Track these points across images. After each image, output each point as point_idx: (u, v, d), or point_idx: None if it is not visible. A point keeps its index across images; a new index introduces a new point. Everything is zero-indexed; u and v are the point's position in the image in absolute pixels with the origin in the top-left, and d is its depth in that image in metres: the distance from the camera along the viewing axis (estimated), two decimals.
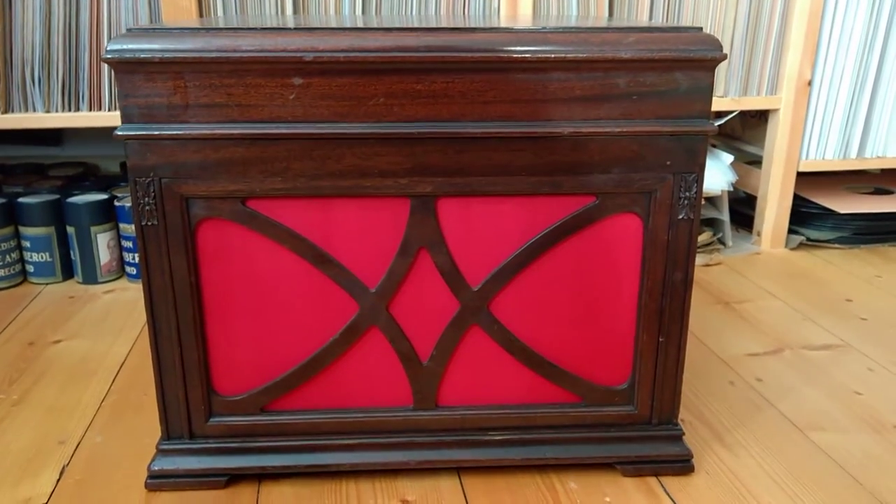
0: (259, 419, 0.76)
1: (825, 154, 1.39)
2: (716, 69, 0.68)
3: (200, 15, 1.23)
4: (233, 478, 0.76)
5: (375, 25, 0.69)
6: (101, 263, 1.30)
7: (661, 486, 0.77)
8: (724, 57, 0.67)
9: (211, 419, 0.76)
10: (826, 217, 1.46)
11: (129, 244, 1.30)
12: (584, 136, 0.68)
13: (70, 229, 1.29)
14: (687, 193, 0.71)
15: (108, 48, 0.65)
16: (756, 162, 1.48)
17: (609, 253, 0.73)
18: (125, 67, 0.65)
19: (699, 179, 0.70)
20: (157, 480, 0.76)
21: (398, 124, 0.67)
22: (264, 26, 0.68)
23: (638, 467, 0.78)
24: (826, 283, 1.31)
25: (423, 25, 0.69)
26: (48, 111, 1.24)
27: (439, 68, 0.66)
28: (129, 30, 0.66)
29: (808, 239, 1.47)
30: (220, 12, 1.23)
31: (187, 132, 0.67)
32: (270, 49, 0.65)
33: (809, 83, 1.34)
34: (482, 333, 0.75)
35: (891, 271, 1.36)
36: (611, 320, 0.76)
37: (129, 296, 1.25)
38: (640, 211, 0.72)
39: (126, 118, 0.67)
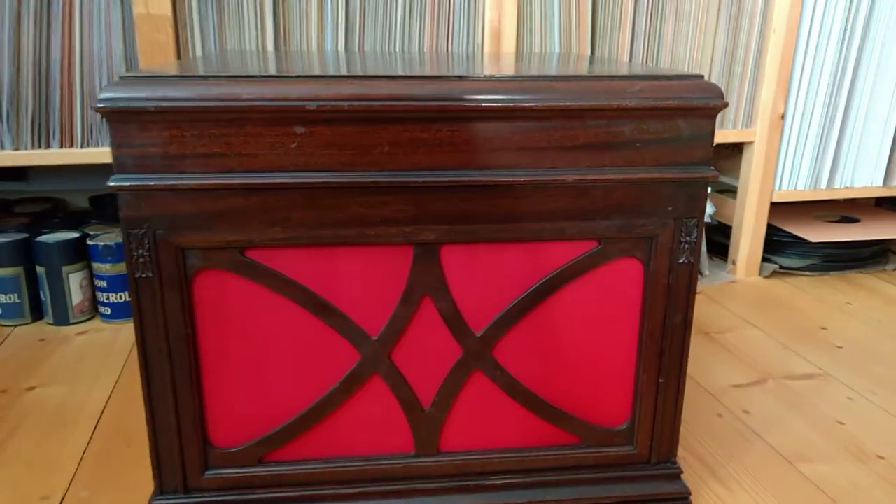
0: (257, 470, 0.74)
1: (797, 184, 1.42)
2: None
3: (178, 49, 1.21)
4: None
5: (379, 73, 0.69)
6: (73, 304, 1.26)
7: None
8: (726, 105, 0.68)
9: (207, 472, 0.73)
10: (797, 245, 1.49)
11: (102, 283, 1.27)
12: (588, 183, 0.69)
13: (40, 269, 1.25)
14: (688, 238, 0.71)
15: (101, 97, 0.63)
16: (728, 191, 1.51)
17: (610, 296, 0.74)
18: (119, 117, 0.64)
19: (699, 224, 0.71)
20: None
21: (403, 172, 0.67)
22: (265, 73, 0.67)
23: None
24: (801, 310, 1.34)
25: (429, 73, 0.69)
26: (17, 149, 1.20)
27: (445, 117, 0.66)
28: (122, 77, 0.65)
29: (781, 267, 1.50)
30: (198, 46, 1.22)
31: (184, 182, 0.65)
32: (272, 97, 0.64)
33: (782, 116, 1.37)
34: (485, 378, 0.74)
35: (860, 298, 1.39)
36: (611, 362, 0.76)
37: (103, 337, 1.22)
38: (641, 255, 0.72)
39: (119, 168, 0.65)
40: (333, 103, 0.64)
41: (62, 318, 1.26)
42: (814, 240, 1.45)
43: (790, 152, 1.40)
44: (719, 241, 1.55)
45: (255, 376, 0.72)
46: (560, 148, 0.68)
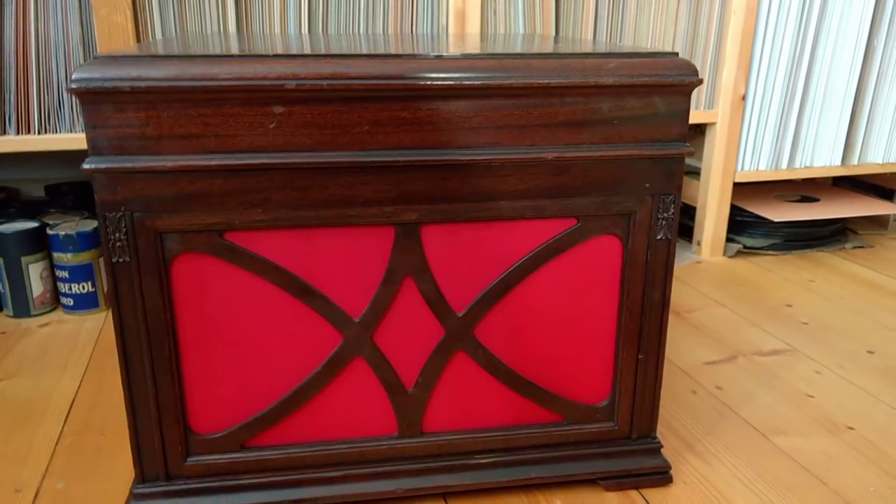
0: (239, 456, 0.73)
1: (759, 165, 1.44)
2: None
3: (137, 32, 1.18)
4: None
5: (358, 51, 0.68)
6: (34, 295, 1.23)
7: (644, 498, 0.78)
8: (700, 81, 0.69)
9: (188, 459, 0.72)
10: (759, 225, 1.52)
11: (63, 274, 1.23)
12: (567, 161, 0.69)
13: None
14: (665, 214, 0.72)
15: (74, 77, 0.61)
16: (691, 172, 1.53)
17: (589, 274, 0.74)
18: (93, 97, 0.62)
19: (676, 200, 0.72)
20: None
21: (383, 152, 0.66)
22: (242, 53, 0.66)
23: (619, 482, 0.80)
24: (765, 289, 1.36)
25: (406, 52, 0.68)
26: None
27: (424, 95, 0.65)
28: (95, 57, 0.63)
29: (745, 246, 1.53)
30: (157, 29, 1.19)
31: (161, 164, 0.64)
32: (250, 77, 0.63)
33: (743, 97, 1.39)
34: (467, 358, 0.74)
35: (822, 276, 1.43)
36: (591, 339, 0.77)
37: (67, 329, 1.19)
38: (619, 232, 0.73)
39: (94, 150, 0.64)
40: (312, 82, 0.63)
41: (23, 311, 1.23)
42: (776, 219, 1.47)
43: (752, 133, 1.42)
44: (683, 222, 1.57)
45: (236, 361, 0.71)
46: (539, 126, 0.68)
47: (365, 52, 0.69)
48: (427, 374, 0.74)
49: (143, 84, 0.62)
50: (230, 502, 0.73)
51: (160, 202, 0.65)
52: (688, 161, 1.55)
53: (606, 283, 0.75)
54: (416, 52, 0.69)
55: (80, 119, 1.20)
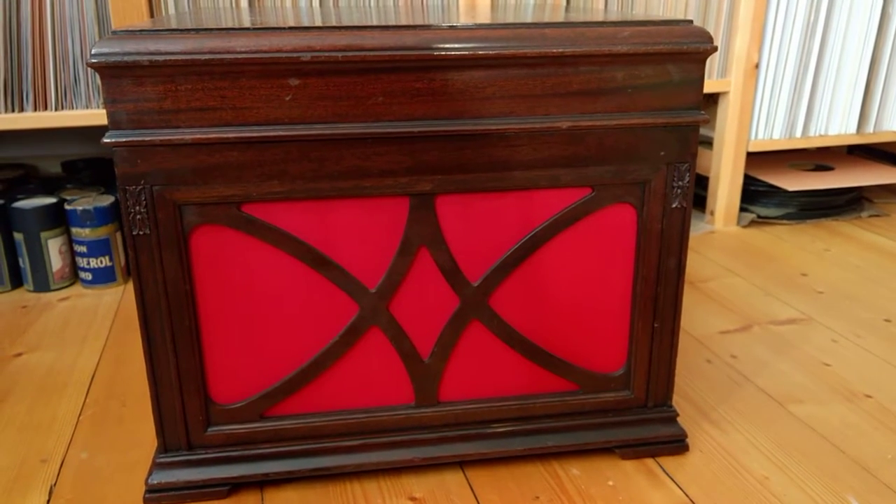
0: (259, 426, 0.74)
1: (773, 134, 1.44)
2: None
3: (150, 7, 1.18)
4: (235, 487, 0.75)
5: (372, 23, 0.68)
6: (54, 270, 1.25)
7: (660, 466, 0.79)
8: (715, 49, 0.69)
9: (209, 428, 0.74)
10: (773, 194, 1.52)
11: (82, 249, 1.25)
12: (582, 130, 0.69)
13: (18, 236, 1.23)
14: (680, 182, 0.72)
15: (94, 52, 0.62)
16: (704, 142, 1.52)
17: (605, 243, 0.75)
18: (112, 72, 0.63)
19: (691, 168, 0.72)
20: (157, 494, 0.73)
21: (398, 123, 0.67)
22: (257, 26, 0.66)
23: (636, 450, 0.80)
24: (780, 258, 1.36)
25: (420, 23, 0.68)
26: None
27: (438, 66, 0.65)
28: (114, 32, 0.64)
29: (759, 216, 1.52)
30: (171, 5, 1.19)
31: (180, 137, 0.65)
32: (266, 49, 0.63)
33: (757, 66, 1.38)
34: (482, 328, 0.75)
35: (838, 245, 1.42)
36: (606, 308, 0.77)
37: (86, 303, 1.21)
38: (634, 201, 0.73)
39: (114, 124, 0.64)
40: (327, 54, 0.64)
41: (42, 285, 1.25)
42: (790, 189, 1.47)
43: (765, 102, 1.41)
44: (696, 192, 1.57)
45: (255, 332, 0.72)
46: (553, 95, 0.68)
47: (378, 23, 0.69)
48: (443, 344, 0.75)
49: (161, 58, 0.62)
50: (251, 471, 0.75)
51: (179, 175, 0.66)
52: (701, 130, 1.55)
53: (622, 252, 0.75)
54: (429, 22, 0.69)
55: (97, 95, 1.21)
